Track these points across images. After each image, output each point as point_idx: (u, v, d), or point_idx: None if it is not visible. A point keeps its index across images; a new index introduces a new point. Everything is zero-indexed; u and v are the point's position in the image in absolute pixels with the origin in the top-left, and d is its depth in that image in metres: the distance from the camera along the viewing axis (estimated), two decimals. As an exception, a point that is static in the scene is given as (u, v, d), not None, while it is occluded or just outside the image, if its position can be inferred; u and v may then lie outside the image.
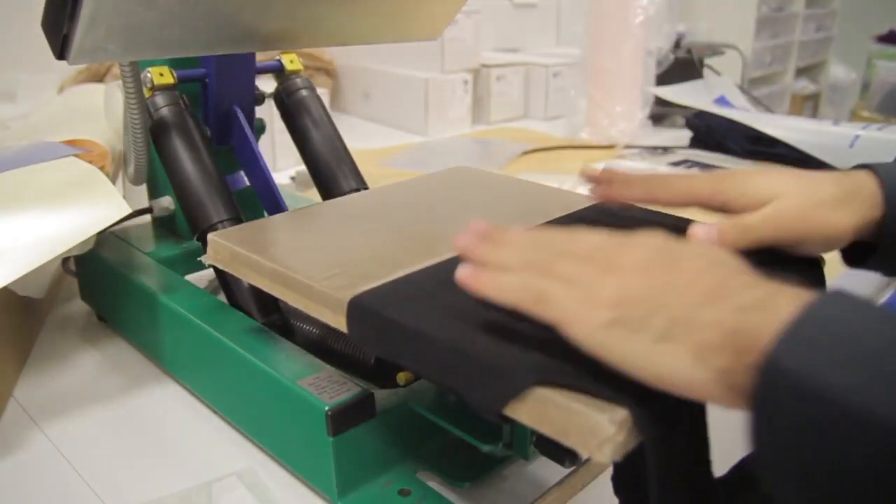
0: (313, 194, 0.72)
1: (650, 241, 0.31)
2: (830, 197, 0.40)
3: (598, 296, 0.29)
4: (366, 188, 0.64)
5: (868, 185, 0.40)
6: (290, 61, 0.67)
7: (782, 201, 0.40)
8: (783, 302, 0.26)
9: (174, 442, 0.51)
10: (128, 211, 0.53)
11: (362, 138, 1.32)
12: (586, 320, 0.29)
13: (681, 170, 1.14)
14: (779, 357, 0.24)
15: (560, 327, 0.30)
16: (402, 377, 0.45)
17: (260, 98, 0.65)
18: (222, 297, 0.55)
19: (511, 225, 0.38)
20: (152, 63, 0.58)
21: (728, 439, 0.33)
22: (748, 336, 0.25)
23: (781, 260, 0.41)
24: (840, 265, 0.45)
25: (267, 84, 0.66)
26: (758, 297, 0.27)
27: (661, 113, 1.44)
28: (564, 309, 0.30)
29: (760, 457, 0.24)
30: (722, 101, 1.37)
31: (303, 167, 0.69)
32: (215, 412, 0.53)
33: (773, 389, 0.24)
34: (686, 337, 0.27)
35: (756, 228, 0.40)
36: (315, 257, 0.43)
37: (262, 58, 0.64)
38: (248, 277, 0.45)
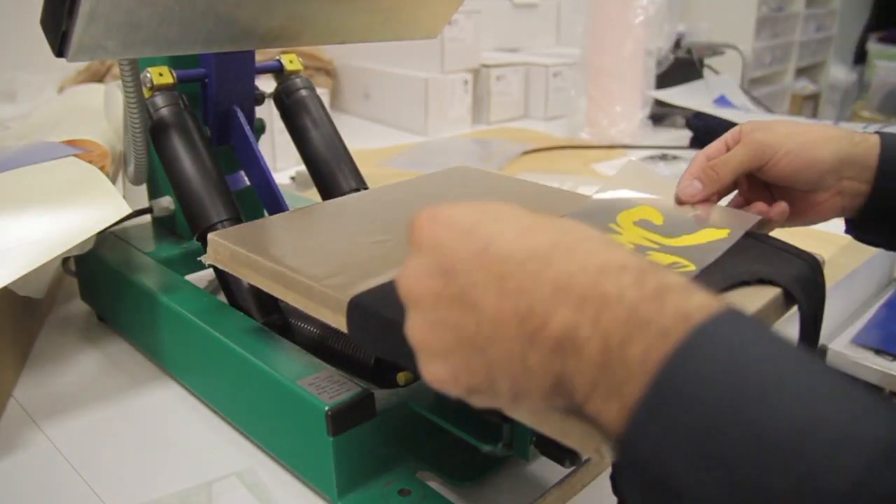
0: (313, 194, 0.72)
1: (423, 260, 0.28)
2: (819, 134, 0.45)
3: (433, 374, 0.28)
4: (366, 188, 0.64)
5: (870, 140, 0.45)
6: (290, 61, 0.67)
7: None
8: (586, 334, 0.24)
9: (174, 442, 0.51)
10: (128, 211, 0.53)
11: (362, 138, 1.32)
12: (450, 390, 0.28)
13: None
14: (632, 438, 0.23)
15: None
16: (402, 377, 0.45)
17: (260, 98, 0.65)
18: (222, 297, 0.55)
19: None
20: (152, 63, 0.58)
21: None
22: (568, 387, 0.25)
23: (780, 256, 0.41)
24: (843, 268, 0.45)
25: (267, 84, 0.66)
26: (564, 327, 0.24)
27: (661, 113, 1.44)
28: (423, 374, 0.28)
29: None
30: (722, 100, 1.37)
31: (303, 167, 0.69)
32: (215, 412, 0.53)
33: (626, 465, 0.23)
34: (531, 393, 0.26)
35: (733, 157, 0.46)
36: (314, 257, 0.43)
37: (261, 58, 0.64)
38: (248, 277, 0.45)
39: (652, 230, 0.45)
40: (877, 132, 0.45)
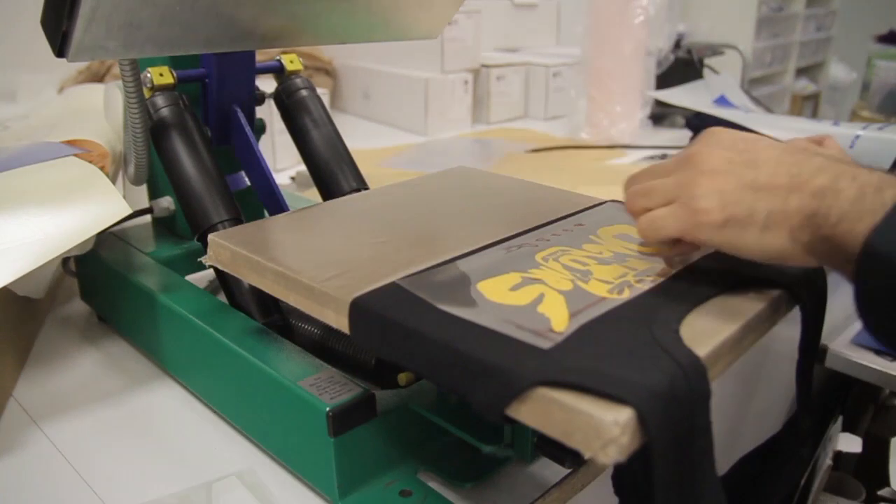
0: (313, 194, 0.72)
1: (723, 140, 0.38)
2: None
3: (704, 205, 0.36)
4: (366, 188, 0.64)
5: None
6: (290, 61, 0.67)
7: None
8: (845, 185, 0.33)
9: (174, 442, 0.51)
10: (128, 211, 0.53)
11: (362, 138, 1.32)
12: (704, 227, 0.36)
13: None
14: (874, 244, 0.31)
15: (686, 237, 0.37)
16: (402, 378, 0.45)
17: (260, 98, 0.65)
18: (223, 298, 0.55)
19: (515, 222, 0.39)
20: (152, 63, 0.58)
21: (728, 438, 0.33)
22: (822, 217, 0.33)
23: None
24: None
25: (267, 84, 0.66)
26: (826, 183, 0.34)
27: (661, 113, 1.44)
28: (684, 222, 0.37)
29: (863, 314, 0.33)
30: (722, 100, 1.37)
31: (303, 167, 0.69)
32: (215, 412, 0.53)
33: (870, 268, 0.31)
34: (782, 224, 0.35)
35: None
36: (316, 258, 0.43)
37: (261, 57, 0.64)
38: (249, 278, 0.45)
39: (630, 241, 0.46)
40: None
